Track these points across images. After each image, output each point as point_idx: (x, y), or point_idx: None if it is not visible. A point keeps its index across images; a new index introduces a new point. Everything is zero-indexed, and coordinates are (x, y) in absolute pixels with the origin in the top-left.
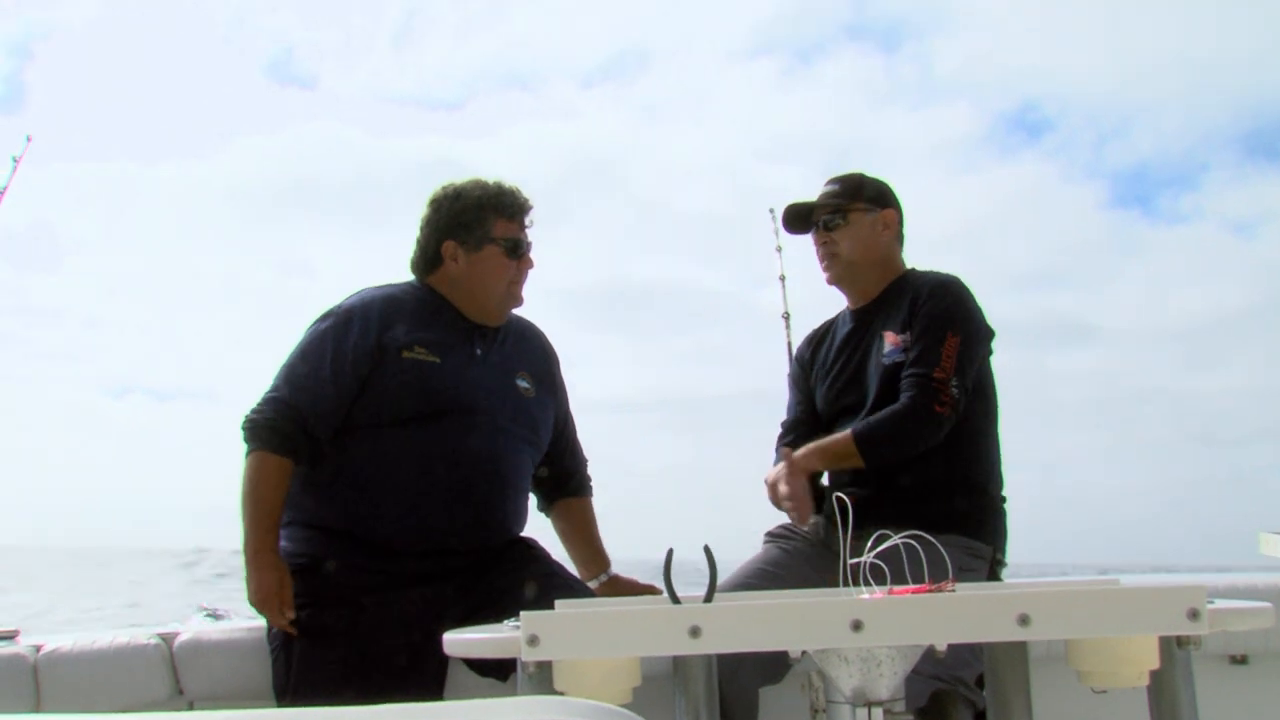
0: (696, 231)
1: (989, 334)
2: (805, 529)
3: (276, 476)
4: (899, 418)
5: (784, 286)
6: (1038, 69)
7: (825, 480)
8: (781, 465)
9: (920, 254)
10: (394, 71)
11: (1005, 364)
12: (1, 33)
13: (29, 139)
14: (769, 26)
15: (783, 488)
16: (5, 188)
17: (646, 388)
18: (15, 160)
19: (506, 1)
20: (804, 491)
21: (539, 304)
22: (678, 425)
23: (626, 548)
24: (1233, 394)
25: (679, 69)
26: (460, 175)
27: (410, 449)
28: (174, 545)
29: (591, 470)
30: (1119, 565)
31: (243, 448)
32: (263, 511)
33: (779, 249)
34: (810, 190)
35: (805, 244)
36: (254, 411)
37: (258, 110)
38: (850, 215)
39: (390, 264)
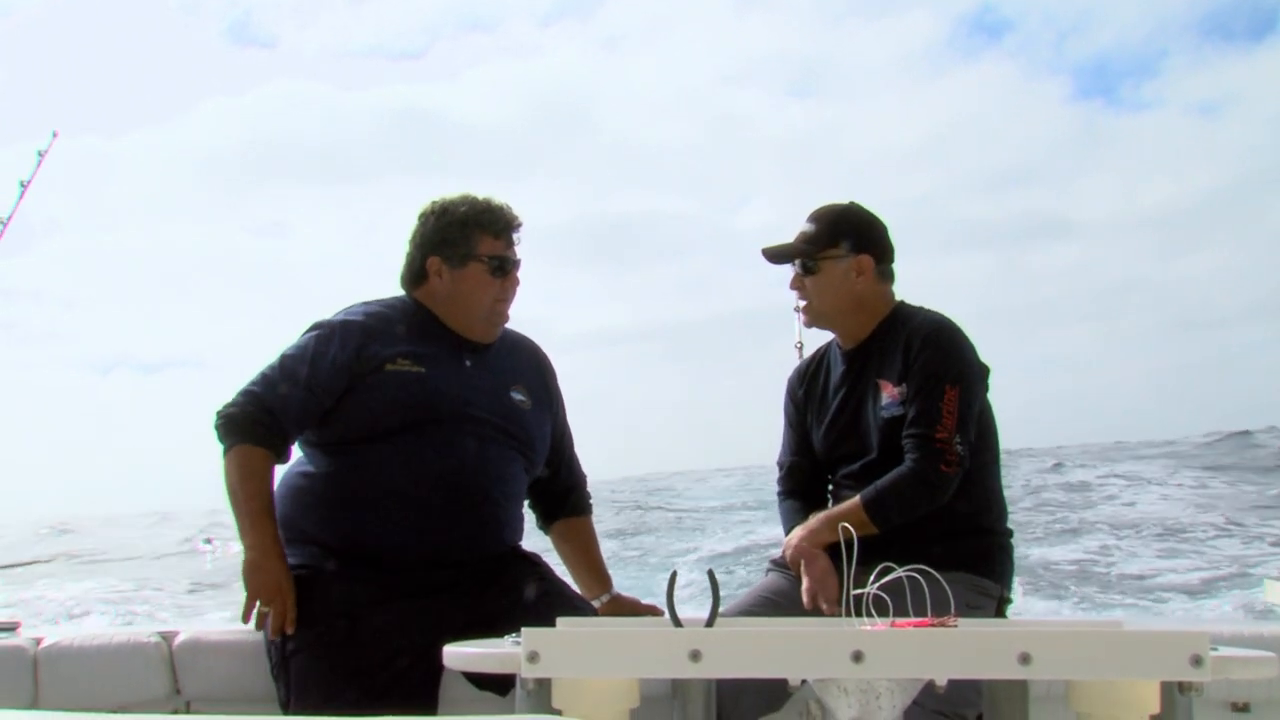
0: (667, 161)
1: (985, 374)
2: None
3: (263, 468)
4: (905, 482)
5: (799, 317)
6: None
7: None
8: (799, 541)
9: (896, 162)
10: (353, 25)
11: (987, 264)
12: None
13: (55, 134)
14: None
15: (806, 581)
16: (30, 180)
17: (632, 319)
18: (40, 155)
19: None
20: (826, 574)
21: (520, 247)
22: (666, 353)
23: (631, 467)
24: (1212, 276)
25: (636, 1)
26: (428, 121)
27: (400, 461)
28: (176, 509)
29: (587, 403)
30: (1123, 444)
31: (220, 445)
32: (259, 505)
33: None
34: (774, 109)
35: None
36: (228, 406)
37: (220, 73)
38: (821, 263)
39: (362, 218)
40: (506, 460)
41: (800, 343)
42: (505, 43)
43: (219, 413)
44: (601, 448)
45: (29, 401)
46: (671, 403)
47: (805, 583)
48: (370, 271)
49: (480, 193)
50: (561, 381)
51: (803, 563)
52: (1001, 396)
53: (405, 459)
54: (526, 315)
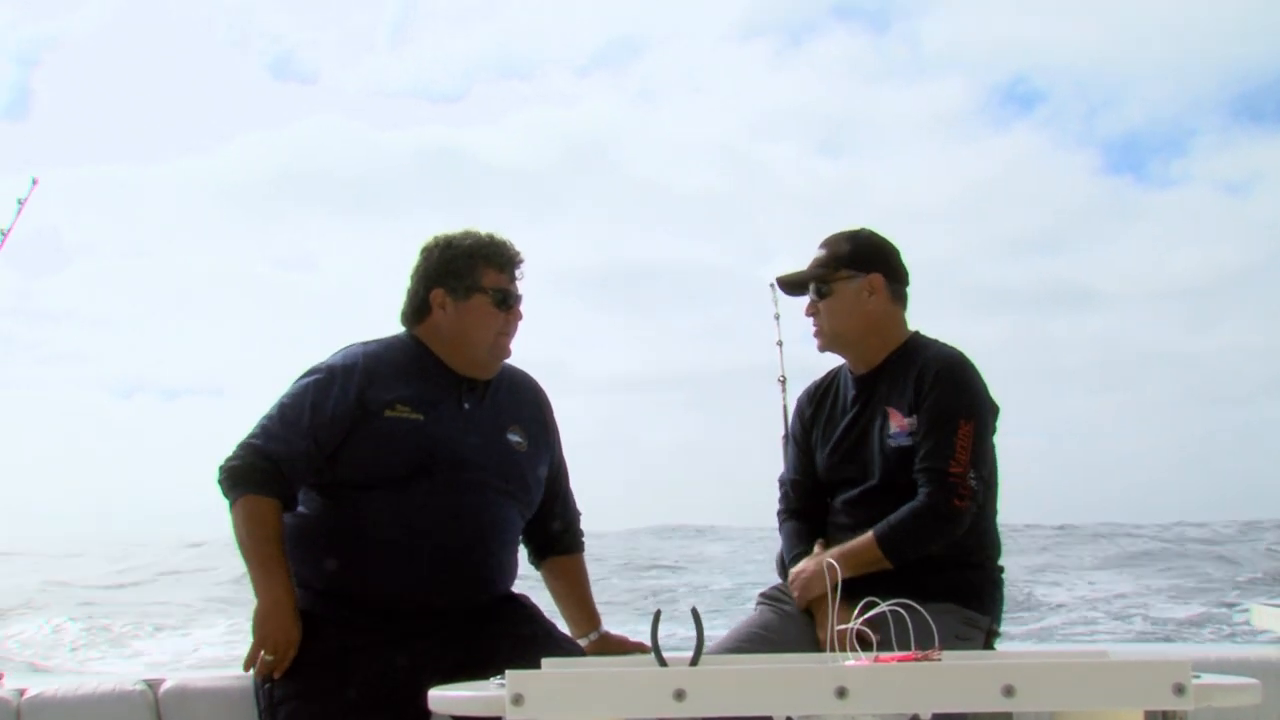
0: (695, 210)
1: (995, 412)
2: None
3: (272, 516)
4: (920, 516)
5: (781, 351)
6: (1026, 43)
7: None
8: (809, 578)
9: (921, 222)
10: (393, 67)
11: (1009, 330)
12: (11, 43)
13: (35, 181)
14: (759, 10)
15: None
16: (9, 230)
17: (651, 365)
18: (20, 202)
19: None
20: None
21: (544, 288)
22: (684, 401)
23: (642, 518)
24: (1235, 352)
25: (672, 54)
26: (461, 161)
27: (396, 508)
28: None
29: (601, 449)
30: (1135, 523)
31: (226, 497)
32: (270, 553)
33: (776, 316)
34: (803, 164)
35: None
36: (231, 458)
37: (259, 106)
38: (834, 285)
39: (391, 254)
40: (501, 508)
41: (783, 376)
42: (542, 90)
43: (221, 467)
44: (614, 494)
45: (47, 420)
46: (689, 449)
47: (824, 627)
48: (395, 306)
49: (486, 229)
50: (579, 424)
51: (815, 607)
52: (1019, 464)
53: (400, 507)
54: (545, 357)
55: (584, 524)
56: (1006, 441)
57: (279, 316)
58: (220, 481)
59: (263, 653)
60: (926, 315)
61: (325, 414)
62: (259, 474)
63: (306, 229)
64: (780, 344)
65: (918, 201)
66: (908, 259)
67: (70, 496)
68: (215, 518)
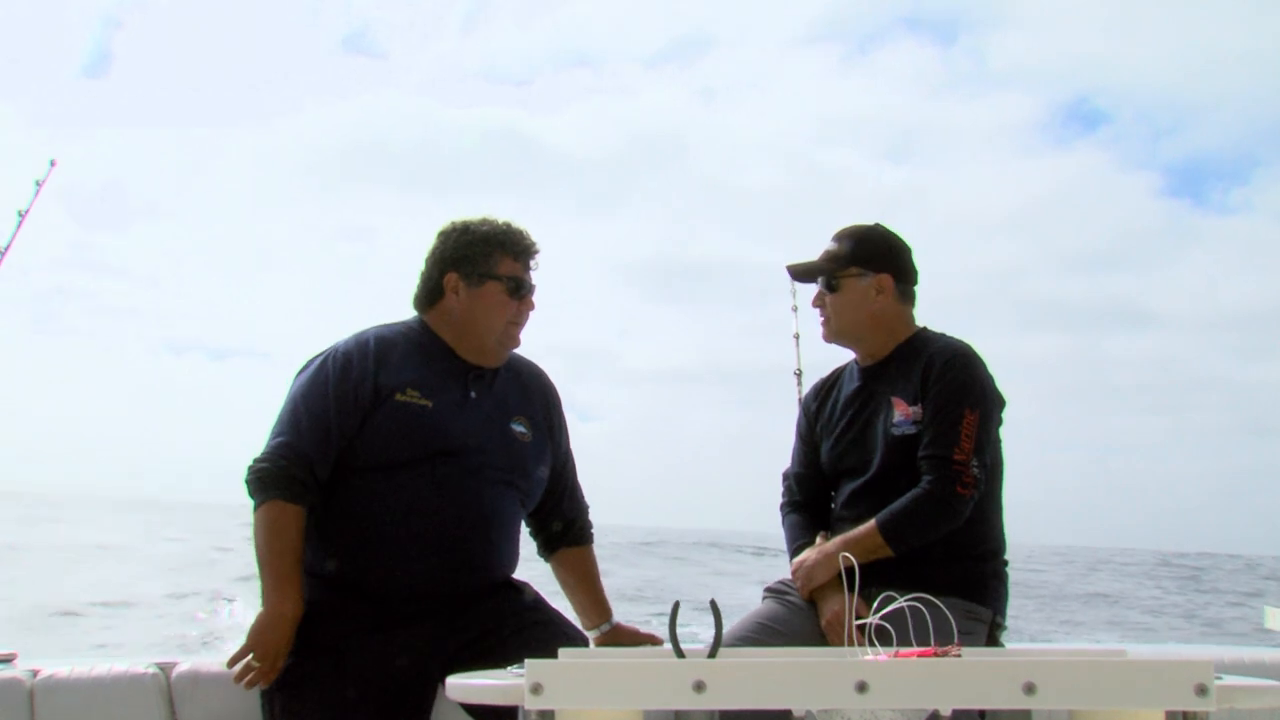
0: (754, 209)
1: (1001, 404)
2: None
3: (295, 528)
4: (922, 503)
5: (798, 344)
6: (1093, 63)
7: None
8: (812, 567)
9: (981, 232)
10: (462, 50)
11: (1064, 346)
12: (97, 2)
13: (53, 163)
14: (828, 17)
15: (827, 614)
16: (28, 210)
17: (701, 359)
18: (38, 184)
19: None
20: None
21: (601, 278)
22: (731, 397)
23: (677, 513)
24: None
25: (739, 55)
26: (525, 144)
27: (398, 493)
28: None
29: (647, 437)
30: (1175, 550)
31: (253, 497)
32: (286, 566)
33: (794, 308)
34: (866, 169)
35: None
36: (263, 459)
37: (330, 79)
38: (843, 281)
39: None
40: (502, 497)
41: (799, 370)
42: (608, 81)
43: (251, 467)
44: (655, 491)
45: (101, 371)
46: (727, 444)
47: (826, 615)
48: None
49: (502, 217)
50: (626, 414)
51: (818, 596)
52: (1054, 477)
53: (402, 492)
54: (598, 346)
55: (614, 516)
56: (1052, 457)
57: (333, 284)
58: (248, 482)
59: (250, 658)
60: (982, 326)
61: (349, 401)
62: (289, 480)
63: (368, 201)
64: (797, 337)
65: (979, 212)
66: (969, 268)
67: (112, 447)
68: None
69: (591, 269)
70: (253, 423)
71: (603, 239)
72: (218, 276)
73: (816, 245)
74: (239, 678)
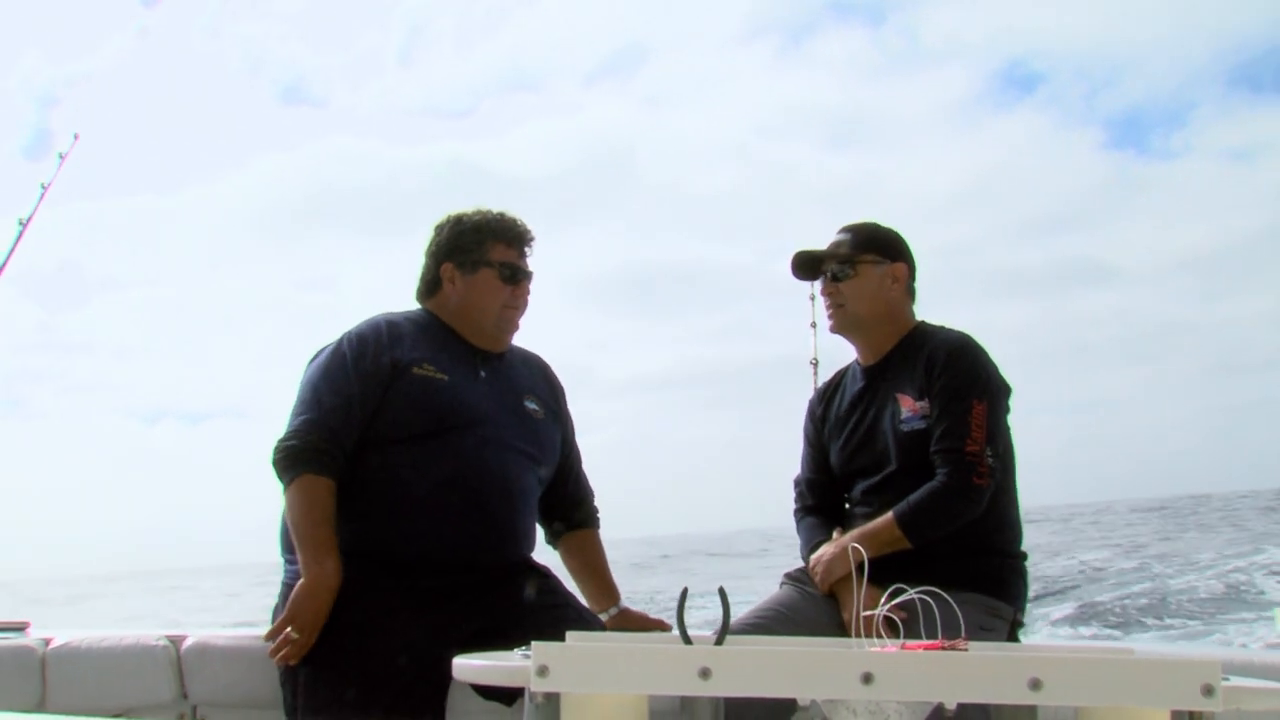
0: (709, 210)
1: (1008, 391)
2: None
3: (328, 499)
4: (939, 495)
5: (815, 333)
6: (1021, 27)
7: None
8: (830, 560)
9: (936, 211)
10: (403, 87)
11: (1031, 312)
12: (32, 87)
13: (76, 136)
14: (759, 11)
15: (846, 610)
16: (50, 182)
17: (678, 365)
18: (61, 156)
19: (504, 10)
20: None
21: (566, 295)
22: (712, 398)
23: (673, 522)
24: (1252, 320)
25: (677, 60)
26: (476, 175)
27: (420, 465)
28: (220, 561)
29: (633, 448)
30: (1165, 499)
31: (282, 477)
32: (325, 534)
33: (813, 296)
34: (814, 160)
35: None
36: (289, 436)
37: (273, 131)
38: (859, 267)
39: (409, 270)
40: (522, 469)
41: (815, 359)
42: (550, 101)
43: (278, 446)
44: (642, 498)
45: (74, 449)
46: (715, 447)
47: (849, 609)
48: None
49: (495, 208)
50: (606, 427)
51: (838, 589)
52: (1044, 440)
53: (424, 465)
54: (571, 361)
55: (627, 530)
56: (1035, 419)
57: (299, 337)
58: (276, 461)
59: (289, 630)
60: (947, 303)
61: (369, 375)
62: (317, 454)
63: (324, 250)
64: (814, 325)
65: (930, 190)
66: (928, 247)
67: (102, 524)
68: (253, 536)
69: (556, 288)
70: (239, 483)
71: (562, 258)
72: (184, 341)
73: (775, 241)
74: (275, 651)
